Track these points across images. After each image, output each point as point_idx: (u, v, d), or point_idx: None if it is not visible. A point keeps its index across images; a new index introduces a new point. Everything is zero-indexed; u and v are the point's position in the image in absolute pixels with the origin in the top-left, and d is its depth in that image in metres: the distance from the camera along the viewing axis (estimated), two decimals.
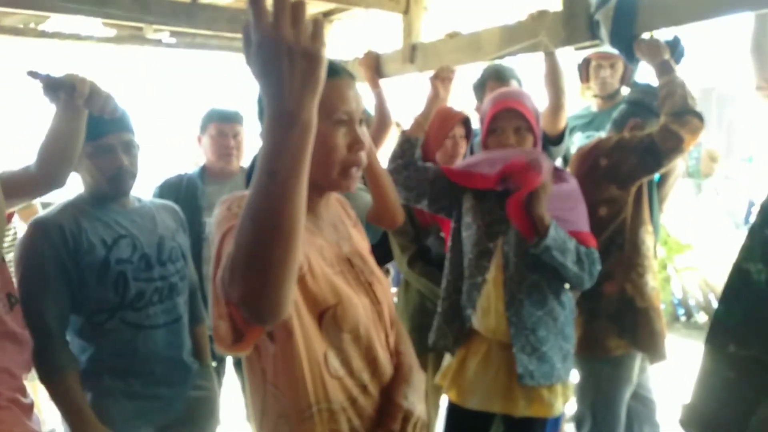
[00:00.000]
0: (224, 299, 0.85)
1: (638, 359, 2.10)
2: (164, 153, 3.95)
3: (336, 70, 1.07)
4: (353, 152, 1.06)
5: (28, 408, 1.39)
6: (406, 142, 1.94)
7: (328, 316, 1.03)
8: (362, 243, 1.23)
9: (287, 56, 0.72)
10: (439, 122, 2.11)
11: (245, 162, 2.41)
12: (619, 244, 2.06)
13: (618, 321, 2.05)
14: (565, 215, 1.77)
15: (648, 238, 2.10)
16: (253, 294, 0.79)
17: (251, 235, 0.76)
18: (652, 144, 1.97)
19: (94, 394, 1.55)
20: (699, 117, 1.94)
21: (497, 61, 2.51)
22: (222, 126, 2.33)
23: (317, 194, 1.12)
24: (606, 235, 2.06)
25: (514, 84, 2.41)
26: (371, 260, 1.20)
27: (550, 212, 1.72)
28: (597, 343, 2.06)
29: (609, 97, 2.75)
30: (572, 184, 1.86)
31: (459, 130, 2.17)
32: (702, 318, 5.30)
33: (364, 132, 1.08)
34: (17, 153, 2.42)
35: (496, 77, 2.42)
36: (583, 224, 1.81)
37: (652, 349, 2.07)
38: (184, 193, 2.29)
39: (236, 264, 0.78)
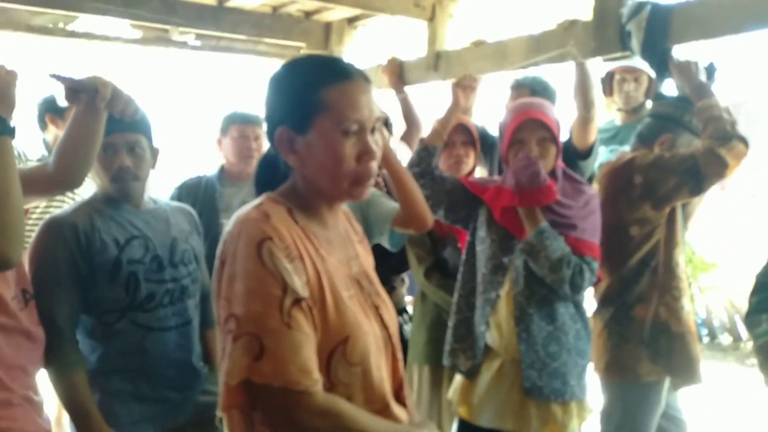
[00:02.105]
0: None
1: (667, 381, 2.03)
2: (186, 155, 3.97)
3: (349, 72, 1.01)
4: (362, 163, 1.00)
5: (40, 406, 1.39)
6: (424, 150, 1.92)
7: (338, 354, 0.99)
8: (368, 260, 1.19)
9: None
10: None
11: None
12: (652, 266, 1.99)
13: (651, 346, 1.97)
14: (578, 222, 1.74)
15: (682, 259, 2.03)
16: None
17: None
18: (695, 166, 1.89)
19: (102, 395, 1.53)
20: (745, 142, 1.88)
21: (530, 73, 2.47)
22: (243, 128, 2.34)
23: (326, 204, 1.07)
24: (638, 256, 2.00)
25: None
26: (376, 280, 1.16)
27: (562, 218, 1.72)
28: (627, 368, 1.99)
29: (633, 111, 2.71)
30: (589, 194, 1.82)
31: (459, 137, 2.14)
32: (726, 339, 5.15)
33: (376, 141, 1.02)
34: (25, 149, 2.44)
35: (516, 86, 2.39)
36: (591, 234, 1.77)
37: (688, 374, 2.01)
38: (202, 195, 2.30)
39: None
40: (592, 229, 1.77)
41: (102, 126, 1.42)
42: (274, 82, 1.05)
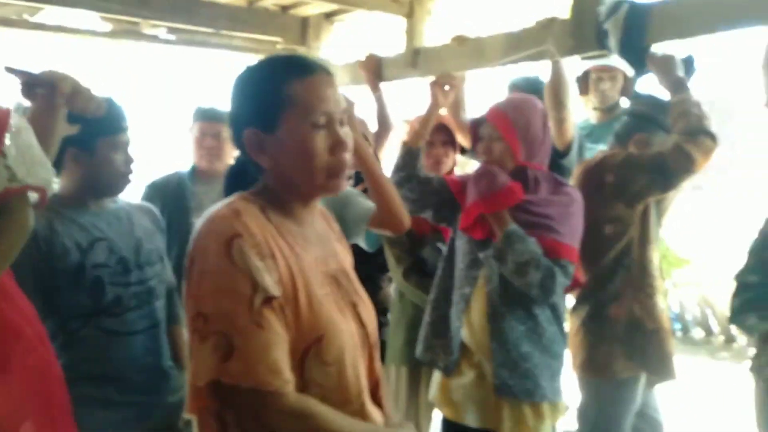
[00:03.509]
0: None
1: (643, 379, 2.05)
2: (158, 152, 3.88)
3: (311, 67, 1.00)
4: (336, 155, 0.99)
5: None
6: (407, 153, 1.91)
7: (312, 353, 0.96)
8: (347, 259, 1.18)
9: None
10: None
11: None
12: (625, 264, 2.00)
13: (626, 343, 1.99)
14: (556, 225, 1.72)
15: (655, 257, 2.05)
16: None
17: None
18: (663, 163, 1.91)
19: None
20: (712, 137, 1.89)
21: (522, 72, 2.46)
22: (203, 125, 2.31)
23: (301, 202, 1.05)
24: (612, 255, 2.01)
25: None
26: (355, 278, 1.14)
27: (540, 218, 1.71)
28: (603, 365, 2.00)
29: (608, 110, 2.73)
30: (572, 197, 1.79)
31: (438, 137, 2.13)
32: (698, 334, 5.25)
33: (347, 132, 1.01)
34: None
35: (511, 86, 2.40)
36: (571, 237, 1.73)
37: (663, 370, 2.03)
38: (172, 193, 2.24)
39: None
40: (571, 232, 1.75)
41: (60, 123, 1.34)
42: (236, 86, 1.04)
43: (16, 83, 1.30)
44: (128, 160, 1.56)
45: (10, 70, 1.28)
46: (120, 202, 1.67)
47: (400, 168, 1.90)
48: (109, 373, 1.52)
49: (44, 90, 1.29)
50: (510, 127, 1.75)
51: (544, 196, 1.76)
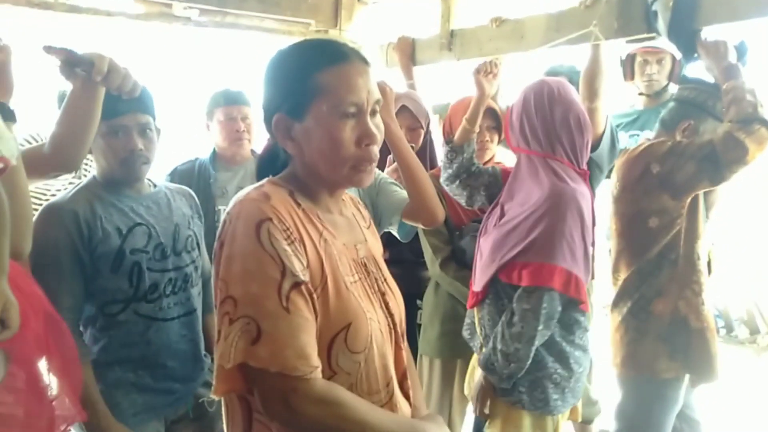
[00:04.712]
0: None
1: (686, 379, 1.97)
2: (188, 136, 3.89)
3: (344, 54, 0.97)
4: (362, 147, 0.96)
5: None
6: (451, 151, 1.89)
7: (339, 341, 0.95)
8: (376, 246, 1.16)
9: None
10: (460, 113, 1.99)
11: (257, 146, 2.31)
12: (671, 259, 1.92)
13: (670, 342, 1.91)
14: (531, 239, 1.54)
15: (703, 252, 1.95)
16: None
17: None
18: (712, 152, 1.81)
19: (105, 386, 1.49)
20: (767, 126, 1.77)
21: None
22: (229, 109, 2.24)
23: (327, 191, 1.04)
24: (657, 249, 1.92)
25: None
26: (384, 266, 1.13)
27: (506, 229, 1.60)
28: (645, 363, 1.93)
29: (656, 95, 2.59)
30: (546, 194, 1.56)
31: (485, 122, 2.06)
32: (743, 333, 5.06)
33: (377, 124, 0.98)
34: (43, 131, 2.36)
35: (551, 73, 2.31)
36: (537, 251, 1.52)
37: (706, 372, 1.94)
38: (196, 180, 2.22)
39: None
40: (547, 245, 1.52)
41: (100, 104, 1.35)
42: (268, 70, 1.02)
43: (54, 64, 1.30)
44: (127, 146, 1.48)
45: (48, 49, 1.27)
46: (160, 185, 1.66)
47: (446, 166, 1.89)
48: (145, 359, 1.53)
49: (83, 69, 1.28)
50: (506, 115, 1.76)
51: (521, 199, 1.62)
